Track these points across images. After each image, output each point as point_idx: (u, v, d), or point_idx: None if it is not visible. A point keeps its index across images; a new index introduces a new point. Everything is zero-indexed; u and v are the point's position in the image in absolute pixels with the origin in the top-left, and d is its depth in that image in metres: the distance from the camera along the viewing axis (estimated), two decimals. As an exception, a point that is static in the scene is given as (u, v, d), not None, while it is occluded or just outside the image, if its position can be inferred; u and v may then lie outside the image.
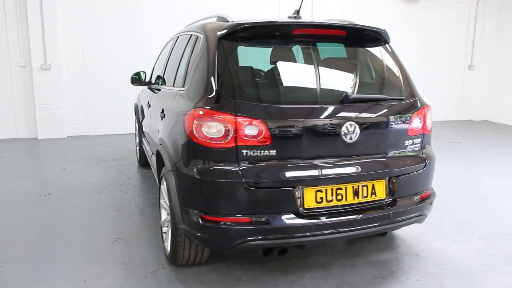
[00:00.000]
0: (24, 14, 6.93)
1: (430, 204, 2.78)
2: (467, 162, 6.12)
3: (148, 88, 4.49)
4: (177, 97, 2.84)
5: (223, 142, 2.29)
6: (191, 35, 3.14)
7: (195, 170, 2.36)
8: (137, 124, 5.63)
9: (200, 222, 2.36)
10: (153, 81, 4.67)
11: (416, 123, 2.68)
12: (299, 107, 2.42)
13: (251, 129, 2.27)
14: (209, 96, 2.38)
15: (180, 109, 2.65)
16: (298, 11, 2.88)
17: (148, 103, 4.07)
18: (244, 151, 2.29)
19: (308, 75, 2.62)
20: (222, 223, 2.30)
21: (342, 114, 2.45)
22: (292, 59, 2.67)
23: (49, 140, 7.17)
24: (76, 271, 2.86)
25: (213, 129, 2.30)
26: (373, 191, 2.52)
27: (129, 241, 3.34)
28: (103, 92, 7.55)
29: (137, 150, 5.59)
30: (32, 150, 6.59)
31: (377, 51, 2.85)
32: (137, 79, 4.61)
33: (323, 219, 2.38)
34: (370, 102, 2.57)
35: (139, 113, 5.15)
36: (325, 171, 2.40)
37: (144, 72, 4.77)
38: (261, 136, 2.29)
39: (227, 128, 2.27)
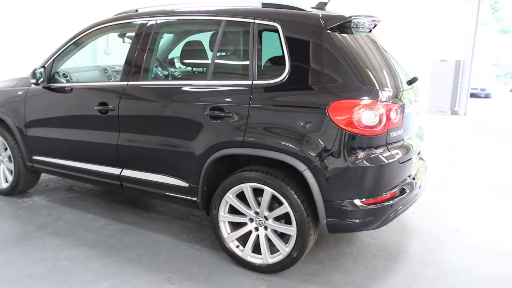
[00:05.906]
0: None
1: None
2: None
3: (70, 88, 3.41)
4: (266, 91, 2.58)
5: (378, 128, 2.44)
6: (232, 22, 2.84)
7: (354, 160, 2.41)
8: (4, 139, 3.98)
9: (363, 207, 2.46)
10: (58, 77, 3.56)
11: None
12: (405, 90, 2.78)
13: (395, 113, 2.51)
14: (354, 86, 2.43)
15: (294, 103, 2.52)
16: (326, 4, 3.00)
17: (119, 106, 3.09)
18: (391, 134, 2.54)
19: (389, 62, 2.93)
20: (383, 202, 2.51)
21: (414, 94, 2.98)
22: (378, 47, 2.93)
23: None
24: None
25: (372, 117, 2.40)
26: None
27: (184, 274, 2.77)
28: None
29: (8, 175, 4.01)
30: None
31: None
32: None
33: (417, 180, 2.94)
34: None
35: (21, 123, 3.71)
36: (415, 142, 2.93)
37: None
38: (397, 119, 2.56)
39: (382, 115, 2.42)
